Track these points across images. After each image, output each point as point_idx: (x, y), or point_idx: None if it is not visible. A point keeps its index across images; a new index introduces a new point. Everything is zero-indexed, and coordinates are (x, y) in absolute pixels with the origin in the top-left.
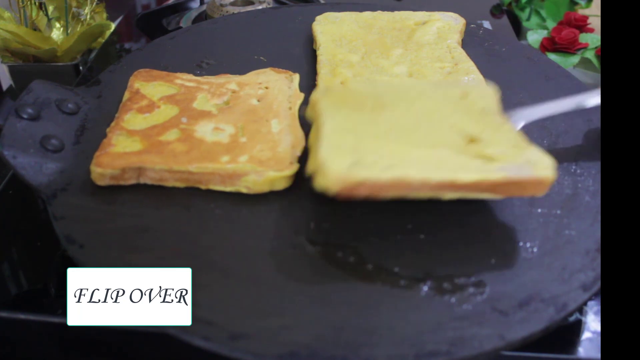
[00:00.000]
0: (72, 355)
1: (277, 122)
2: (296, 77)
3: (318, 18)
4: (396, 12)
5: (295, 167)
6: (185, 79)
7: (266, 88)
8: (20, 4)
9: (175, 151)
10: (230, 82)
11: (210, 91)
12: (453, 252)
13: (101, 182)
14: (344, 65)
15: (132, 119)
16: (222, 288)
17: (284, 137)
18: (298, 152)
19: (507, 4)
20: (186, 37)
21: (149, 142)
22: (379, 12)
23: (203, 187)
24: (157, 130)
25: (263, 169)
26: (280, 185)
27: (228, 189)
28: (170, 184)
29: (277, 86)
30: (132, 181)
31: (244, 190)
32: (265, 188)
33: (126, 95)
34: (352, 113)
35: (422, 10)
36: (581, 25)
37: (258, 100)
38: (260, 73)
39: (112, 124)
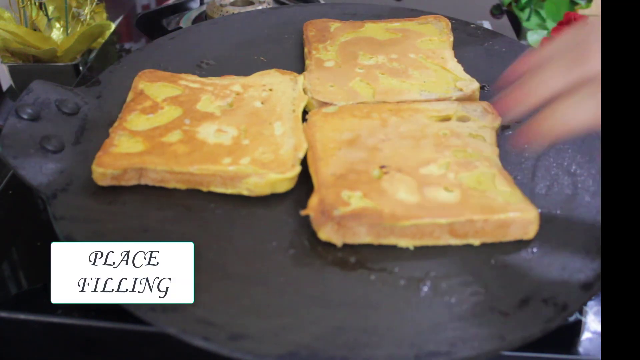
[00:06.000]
0: (72, 355)
1: (280, 124)
2: (300, 79)
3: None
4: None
5: (297, 170)
6: (190, 80)
7: (270, 90)
8: (20, 4)
9: (177, 152)
10: (234, 83)
11: (214, 93)
12: (453, 252)
13: (102, 182)
14: None
15: (135, 120)
16: (222, 288)
17: (287, 140)
18: (300, 155)
19: (507, 4)
20: (186, 37)
21: (151, 143)
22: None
23: (204, 189)
24: (159, 132)
25: (265, 171)
26: (282, 188)
27: (229, 191)
28: (171, 185)
29: (281, 88)
30: (134, 182)
31: (246, 193)
32: (266, 190)
33: (130, 95)
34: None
35: (422, 10)
36: None
37: (262, 103)
38: (264, 74)
39: (115, 124)
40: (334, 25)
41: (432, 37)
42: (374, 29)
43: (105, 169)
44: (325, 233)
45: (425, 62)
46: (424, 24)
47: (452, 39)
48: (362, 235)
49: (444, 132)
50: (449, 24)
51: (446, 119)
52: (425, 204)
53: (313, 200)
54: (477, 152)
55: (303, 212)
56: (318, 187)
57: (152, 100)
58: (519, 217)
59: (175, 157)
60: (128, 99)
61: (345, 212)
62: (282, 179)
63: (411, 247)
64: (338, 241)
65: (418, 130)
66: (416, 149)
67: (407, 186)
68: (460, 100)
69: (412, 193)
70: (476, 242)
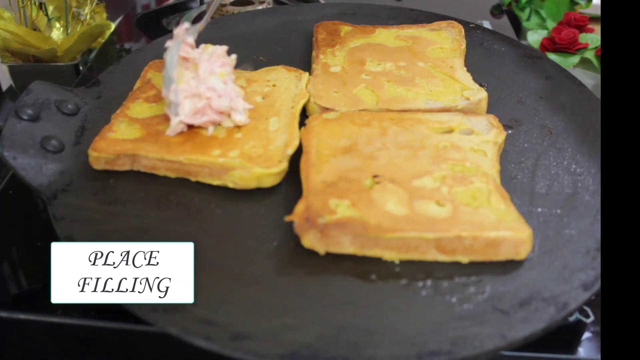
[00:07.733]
0: (72, 355)
1: (275, 120)
2: (305, 76)
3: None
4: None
5: (283, 166)
6: None
7: (274, 86)
8: (20, 4)
9: (170, 141)
10: (239, 77)
11: None
12: None
13: (97, 166)
14: None
15: (137, 108)
16: (222, 288)
17: (279, 136)
18: (290, 151)
19: (507, 4)
20: None
21: (148, 130)
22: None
23: (192, 178)
24: (157, 120)
25: (250, 165)
26: (268, 183)
27: (216, 182)
28: (161, 172)
29: (284, 85)
30: (127, 167)
31: (231, 185)
32: (251, 184)
33: (137, 84)
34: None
35: (421, 9)
36: (581, 25)
37: (262, 98)
38: (270, 70)
39: (118, 110)
40: (345, 29)
41: (444, 45)
42: (385, 35)
43: (100, 153)
44: (309, 241)
45: (433, 71)
46: (437, 31)
47: (463, 46)
48: (345, 245)
49: (444, 145)
50: (462, 30)
51: (449, 131)
52: (413, 218)
53: (299, 207)
54: (476, 167)
55: (287, 218)
56: (306, 194)
57: (157, 89)
58: (510, 236)
59: (167, 146)
60: (135, 87)
61: (330, 221)
62: (266, 173)
63: (396, 261)
64: (321, 249)
65: (417, 141)
66: (413, 160)
67: (397, 198)
68: (466, 109)
69: (401, 205)
70: (464, 259)
